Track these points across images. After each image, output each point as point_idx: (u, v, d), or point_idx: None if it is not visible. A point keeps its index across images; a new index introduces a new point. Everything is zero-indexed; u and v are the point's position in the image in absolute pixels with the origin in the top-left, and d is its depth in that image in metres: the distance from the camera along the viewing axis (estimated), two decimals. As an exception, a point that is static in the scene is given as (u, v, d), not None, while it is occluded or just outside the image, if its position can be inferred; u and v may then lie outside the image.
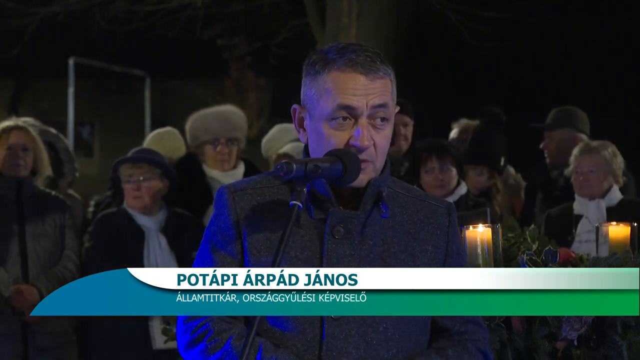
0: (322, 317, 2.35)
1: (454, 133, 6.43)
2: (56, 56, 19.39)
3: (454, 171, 5.17)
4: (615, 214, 4.95)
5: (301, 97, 2.48)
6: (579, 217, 5.13)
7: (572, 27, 17.00)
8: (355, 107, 2.37)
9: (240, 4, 12.83)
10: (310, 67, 2.45)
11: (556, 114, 5.97)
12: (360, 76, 2.38)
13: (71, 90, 16.63)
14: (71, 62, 16.49)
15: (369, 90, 2.38)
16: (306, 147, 2.50)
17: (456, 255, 2.51)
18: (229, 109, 5.86)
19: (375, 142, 2.39)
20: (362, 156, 2.38)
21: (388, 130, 2.43)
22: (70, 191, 5.97)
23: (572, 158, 5.27)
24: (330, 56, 2.41)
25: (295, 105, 2.51)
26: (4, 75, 22.71)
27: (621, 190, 5.39)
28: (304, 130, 2.48)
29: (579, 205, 5.16)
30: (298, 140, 5.61)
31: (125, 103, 24.11)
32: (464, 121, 6.47)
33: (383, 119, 2.40)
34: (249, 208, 2.43)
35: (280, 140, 5.85)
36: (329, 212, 2.39)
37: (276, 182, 2.46)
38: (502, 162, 5.90)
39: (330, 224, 2.39)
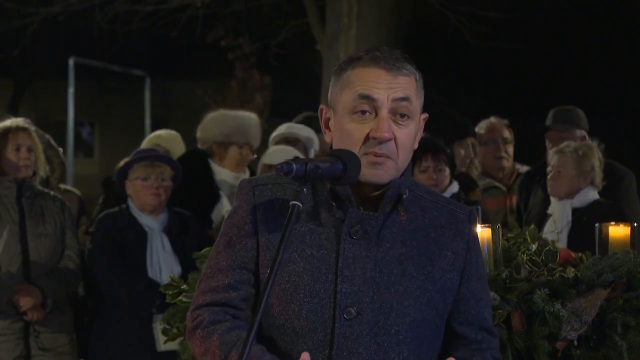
0: (334, 317, 2.35)
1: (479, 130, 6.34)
2: (56, 56, 19.40)
3: (447, 170, 5.20)
4: (584, 215, 4.96)
5: (328, 97, 2.49)
6: (548, 217, 5.14)
7: (572, 27, 17.00)
8: (375, 98, 2.36)
9: (240, 4, 12.84)
10: (338, 67, 2.46)
11: (560, 113, 5.96)
12: (382, 70, 2.38)
13: (71, 90, 16.63)
14: (71, 62, 16.50)
15: (391, 85, 2.37)
16: (332, 148, 2.48)
17: (475, 263, 2.49)
18: (254, 116, 5.90)
19: (397, 137, 2.37)
20: (381, 150, 2.36)
21: (411, 128, 2.40)
22: (68, 187, 5.97)
23: (548, 158, 5.30)
24: (356, 54, 2.44)
25: (322, 106, 2.51)
26: (4, 75, 22.72)
27: (619, 189, 5.39)
28: (329, 130, 2.48)
29: (551, 204, 5.17)
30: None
31: (125, 103, 24.12)
32: (487, 120, 6.40)
33: (404, 115, 2.39)
34: (268, 203, 2.44)
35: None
36: (348, 212, 2.39)
37: None
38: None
39: (348, 224, 2.38)
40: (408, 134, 2.40)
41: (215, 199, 5.48)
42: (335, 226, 2.39)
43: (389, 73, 2.38)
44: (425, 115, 2.50)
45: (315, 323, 2.35)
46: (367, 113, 2.37)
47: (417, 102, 2.42)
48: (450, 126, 6.12)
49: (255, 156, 5.74)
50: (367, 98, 2.37)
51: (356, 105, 2.38)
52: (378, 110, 2.37)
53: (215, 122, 5.69)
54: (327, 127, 2.48)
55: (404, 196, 2.42)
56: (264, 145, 6.43)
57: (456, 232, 2.47)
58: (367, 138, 2.36)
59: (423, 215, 2.46)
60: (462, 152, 5.88)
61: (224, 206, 5.45)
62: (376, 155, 2.36)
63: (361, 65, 2.40)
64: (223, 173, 5.56)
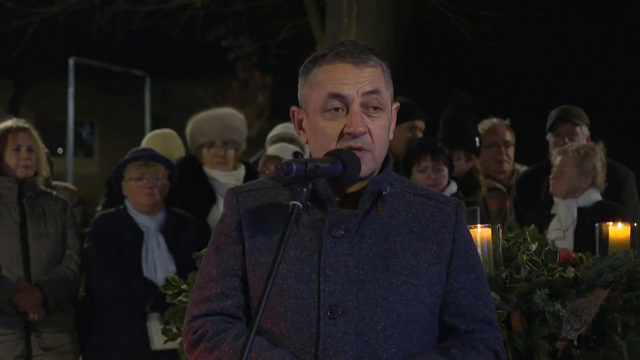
0: (318, 316, 2.35)
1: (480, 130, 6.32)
2: (56, 56, 19.40)
3: (445, 170, 5.22)
4: (588, 215, 4.97)
5: (298, 98, 2.50)
6: (553, 216, 5.14)
7: (572, 27, 17.01)
8: (345, 95, 2.38)
9: (241, 4, 12.85)
10: (304, 67, 2.48)
11: (568, 111, 5.95)
12: (348, 65, 2.39)
13: (71, 90, 16.63)
14: (71, 62, 16.49)
15: (359, 79, 2.39)
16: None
17: (463, 253, 2.48)
18: (226, 111, 5.86)
19: (371, 130, 2.39)
20: (357, 143, 2.37)
21: (384, 120, 2.42)
22: (62, 183, 5.98)
23: (552, 158, 5.31)
24: (321, 53, 2.45)
25: (293, 108, 2.52)
26: (4, 75, 22.72)
27: (624, 190, 5.40)
28: (304, 131, 2.49)
29: (554, 204, 5.18)
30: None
31: (125, 103, 24.13)
32: (489, 121, 6.38)
33: (376, 107, 2.40)
34: (252, 209, 2.45)
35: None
36: (328, 212, 2.39)
37: (279, 183, 2.47)
38: (477, 144, 5.94)
39: (329, 223, 2.38)
40: (381, 126, 2.41)
41: (211, 202, 5.48)
42: (316, 227, 2.40)
43: (356, 67, 2.39)
44: (397, 104, 2.51)
45: (301, 324, 2.36)
46: (339, 110, 2.39)
47: (387, 93, 2.43)
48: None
49: (238, 148, 5.68)
50: (337, 96, 2.38)
51: (327, 104, 2.39)
52: (349, 105, 2.38)
53: (188, 131, 5.74)
54: (301, 127, 2.50)
55: (384, 192, 2.42)
56: (260, 144, 6.42)
57: (441, 224, 2.47)
58: (342, 134, 2.38)
59: (406, 211, 2.46)
60: (409, 135, 5.90)
61: (220, 208, 5.45)
62: (352, 149, 2.37)
63: (327, 63, 2.41)
64: (214, 174, 5.57)
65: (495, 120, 6.31)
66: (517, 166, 6.44)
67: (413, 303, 2.39)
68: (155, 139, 6.23)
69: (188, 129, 5.75)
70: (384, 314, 2.36)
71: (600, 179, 5.14)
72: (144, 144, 6.22)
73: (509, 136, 6.27)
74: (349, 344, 2.34)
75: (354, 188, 2.43)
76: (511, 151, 6.30)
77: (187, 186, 5.38)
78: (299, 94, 2.48)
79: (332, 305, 2.34)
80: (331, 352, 2.33)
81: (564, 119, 5.88)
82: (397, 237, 2.42)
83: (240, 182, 5.46)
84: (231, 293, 2.43)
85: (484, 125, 6.29)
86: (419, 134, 6.01)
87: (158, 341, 4.87)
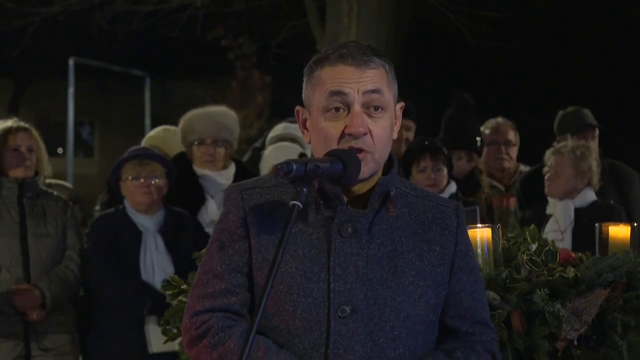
0: (328, 315, 2.36)
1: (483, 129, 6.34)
2: (56, 56, 19.40)
3: (445, 170, 5.22)
4: (584, 216, 4.97)
5: (303, 98, 2.51)
6: (549, 217, 5.14)
7: (572, 27, 17.01)
8: (346, 93, 2.38)
9: (240, 4, 12.87)
10: (308, 67, 2.48)
11: (583, 113, 5.94)
12: (350, 67, 2.39)
13: (71, 90, 16.63)
14: (71, 62, 16.50)
15: (360, 79, 2.39)
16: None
17: (464, 255, 2.50)
18: (218, 109, 5.83)
19: (372, 130, 2.39)
20: (357, 144, 2.37)
21: (385, 120, 2.42)
22: (59, 181, 5.98)
23: (545, 158, 5.31)
24: (324, 54, 2.45)
25: (298, 107, 2.53)
26: (4, 75, 22.73)
27: (632, 192, 5.40)
28: (308, 131, 2.50)
29: (550, 205, 5.18)
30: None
31: (125, 103, 24.14)
32: (494, 120, 6.40)
33: (378, 108, 2.40)
34: (257, 206, 2.45)
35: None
36: (337, 211, 2.40)
37: (285, 181, 2.47)
38: (478, 143, 5.94)
39: (337, 223, 2.39)
40: (383, 127, 2.41)
41: (200, 202, 5.46)
42: (325, 225, 2.40)
43: (358, 69, 2.39)
44: (402, 104, 2.50)
45: (310, 322, 2.36)
46: (340, 110, 2.39)
47: (389, 93, 2.43)
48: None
49: (229, 147, 5.66)
50: (338, 94, 2.38)
51: (329, 104, 2.39)
52: (350, 105, 2.38)
53: (179, 127, 5.74)
54: (305, 127, 2.50)
55: (392, 193, 2.43)
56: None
57: (443, 226, 2.48)
58: (343, 134, 2.38)
59: (410, 212, 2.47)
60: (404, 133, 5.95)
61: (209, 209, 5.43)
62: (353, 149, 2.37)
63: (329, 65, 2.41)
64: (204, 173, 5.55)
65: (500, 119, 6.34)
66: (522, 167, 6.44)
67: (419, 304, 2.40)
68: (160, 133, 6.23)
69: (180, 126, 5.73)
70: (393, 314, 2.37)
71: (596, 178, 5.15)
72: (148, 138, 6.22)
73: (511, 135, 6.29)
74: (359, 343, 2.35)
75: (360, 189, 2.43)
76: (513, 151, 6.31)
77: (176, 184, 5.35)
78: (303, 94, 2.49)
79: (342, 305, 2.35)
80: (341, 351, 2.34)
81: (586, 123, 5.87)
82: (402, 237, 2.43)
83: (230, 181, 5.43)
84: (236, 290, 2.42)
85: (489, 124, 6.31)
86: (405, 133, 6.00)
87: (156, 344, 4.87)
